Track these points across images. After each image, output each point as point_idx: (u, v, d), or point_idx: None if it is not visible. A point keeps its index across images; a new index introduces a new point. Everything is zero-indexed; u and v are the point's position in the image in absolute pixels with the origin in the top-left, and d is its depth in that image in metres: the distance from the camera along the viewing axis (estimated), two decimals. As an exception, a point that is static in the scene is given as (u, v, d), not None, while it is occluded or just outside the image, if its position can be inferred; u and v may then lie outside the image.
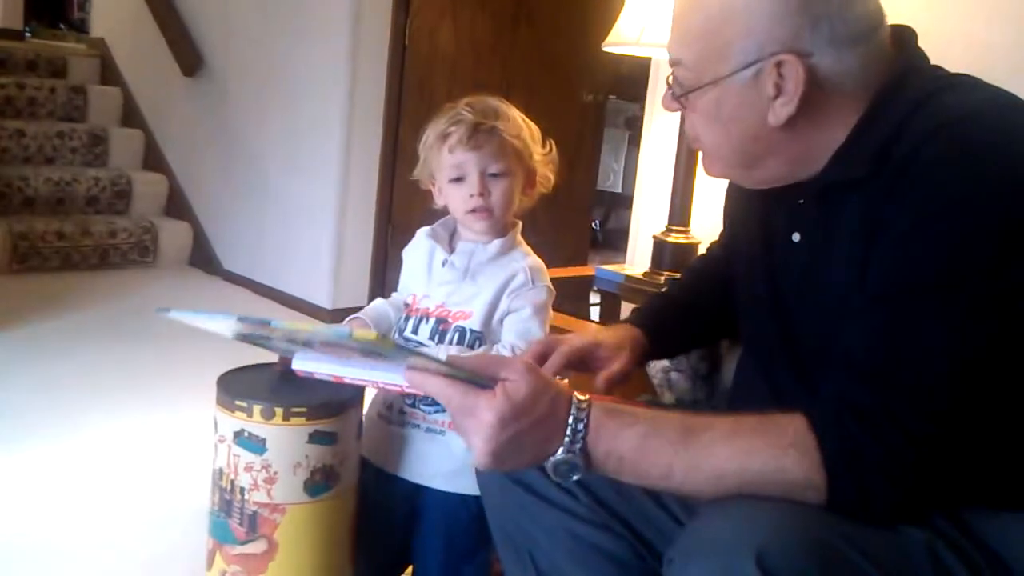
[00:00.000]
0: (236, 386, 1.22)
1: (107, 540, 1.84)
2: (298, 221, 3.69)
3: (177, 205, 4.35)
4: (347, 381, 0.99)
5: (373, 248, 3.65)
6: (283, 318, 0.95)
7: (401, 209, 3.58)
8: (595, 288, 2.17)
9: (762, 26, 0.90)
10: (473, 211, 1.31)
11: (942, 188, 0.82)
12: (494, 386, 0.86)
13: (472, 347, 1.30)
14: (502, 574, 1.19)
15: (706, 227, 1.97)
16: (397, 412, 1.34)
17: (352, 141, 3.49)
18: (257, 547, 1.20)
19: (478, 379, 0.87)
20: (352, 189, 3.54)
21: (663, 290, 1.38)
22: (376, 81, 3.51)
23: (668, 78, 1.01)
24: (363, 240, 3.62)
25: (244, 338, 1.09)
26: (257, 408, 1.17)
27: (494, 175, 1.31)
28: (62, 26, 7.23)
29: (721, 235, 1.30)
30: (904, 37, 0.97)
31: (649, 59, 2.25)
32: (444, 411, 1.15)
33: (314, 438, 1.19)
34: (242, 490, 1.19)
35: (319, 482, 1.20)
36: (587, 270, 2.35)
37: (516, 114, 1.35)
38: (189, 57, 4.09)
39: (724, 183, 1.18)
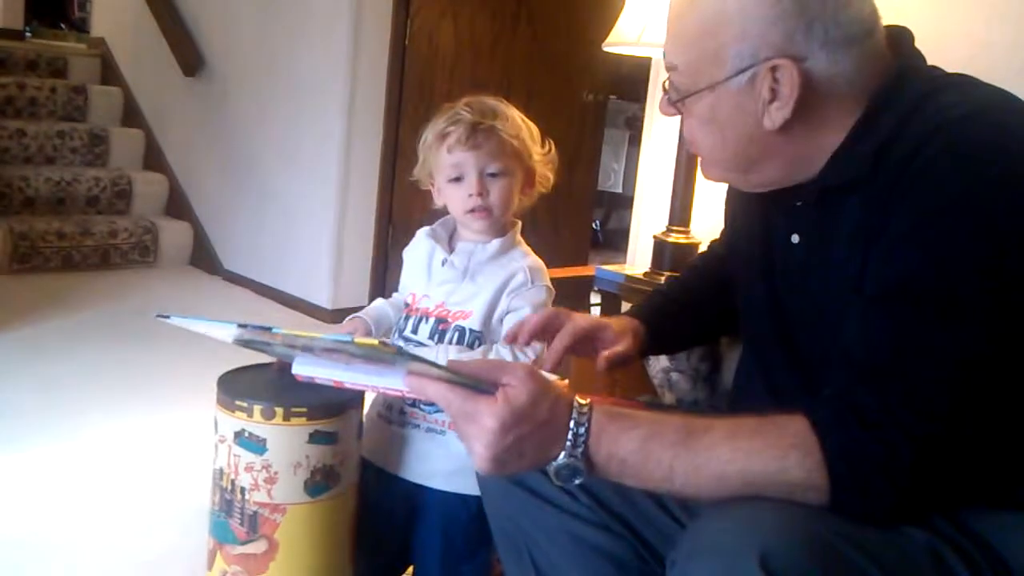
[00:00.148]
0: (236, 386, 1.22)
1: (107, 540, 1.84)
2: (298, 221, 3.69)
3: (177, 205, 4.35)
4: (347, 386, 0.99)
5: (373, 248, 3.65)
6: (283, 325, 0.95)
7: (401, 209, 3.58)
8: (596, 288, 2.17)
9: (756, 31, 0.90)
10: (472, 211, 1.31)
11: (941, 188, 0.82)
12: (495, 391, 0.86)
13: (471, 347, 1.30)
14: (502, 574, 1.19)
15: (706, 227, 1.97)
16: (397, 412, 1.34)
17: (352, 141, 3.49)
18: (257, 547, 1.20)
19: (479, 384, 0.87)
20: (352, 189, 3.54)
21: (662, 287, 1.38)
22: (376, 81, 3.51)
23: (664, 83, 1.01)
24: (363, 240, 3.62)
25: (245, 343, 1.09)
26: (257, 408, 1.17)
27: (493, 175, 1.31)
28: (63, 26, 7.24)
29: (722, 234, 1.31)
30: (900, 38, 0.97)
31: (649, 59, 2.25)
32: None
33: (314, 438, 1.19)
34: (242, 490, 1.19)
35: (319, 482, 1.20)
36: (588, 270, 2.35)
37: (515, 114, 1.35)
38: (190, 57, 4.09)
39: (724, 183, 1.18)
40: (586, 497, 1.06)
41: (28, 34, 6.02)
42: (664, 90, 1.01)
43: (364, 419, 1.32)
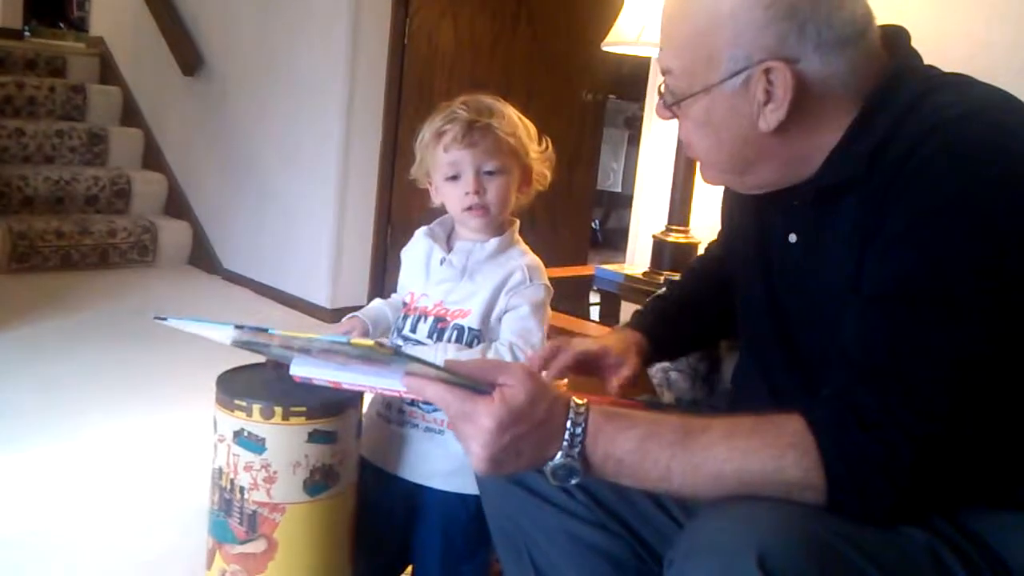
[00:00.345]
0: (236, 385, 1.22)
1: (107, 540, 1.84)
2: (298, 220, 3.69)
3: (177, 204, 4.35)
4: (345, 387, 0.99)
5: (372, 248, 3.65)
6: (283, 325, 0.96)
7: (400, 209, 3.58)
8: (595, 288, 2.17)
9: (749, 34, 0.90)
10: (469, 209, 1.31)
11: (937, 187, 0.82)
12: (492, 391, 0.86)
13: (470, 345, 1.30)
14: (501, 574, 1.19)
15: (706, 227, 1.97)
16: (396, 411, 1.35)
17: (352, 140, 3.49)
18: (257, 546, 1.20)
19: (476, 384, 0.87)
20: (352, 189, 3.54)
21: (662, 292, 1.38)
22: (375, 81, 3.51)
23: (659, 87, 1.01)
24: (363, 240, 3.62)
25: (242, 344, 1.09)
26: (256, 407, 1.17)
27: (490, 172, 1.31)
28: (61, 25, 7.24)
29: (719, 235, 1.31)
30: (896, 38, 0.97)
31: (649, 59, 2.25)
32: (443, 411, 1.16)
33: (313, 437, 1.19)
34: (242, 489, 1.19)
35: (318, 481, 1.20)
36: (587, 270, 2.35)
37: (512, 112, 1.35)
38: (189, 56, 4.09)
39: (723, 183, 1.18)
40: (584, 496, 1.06)
41: (27, 33, 6.02)
42: (659, 94, 1.01)
43: (363, 418, 1.32)
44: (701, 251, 1.48)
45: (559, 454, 0.87)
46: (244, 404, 1.18)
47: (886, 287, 0.84)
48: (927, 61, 0.97)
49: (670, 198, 2.07)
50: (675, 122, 1.02)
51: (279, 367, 1.24)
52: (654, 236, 2.10)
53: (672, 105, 0.99)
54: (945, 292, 0.81)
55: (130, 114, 4.61)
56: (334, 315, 3.45)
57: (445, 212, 1.38)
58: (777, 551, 0.75)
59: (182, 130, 4.34)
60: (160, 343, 2.91)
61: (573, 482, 0.88)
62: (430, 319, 1.33)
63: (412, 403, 1.32)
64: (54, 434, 2.29)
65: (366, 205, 3.60)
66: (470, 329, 1.31)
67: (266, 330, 0.94)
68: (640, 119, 2.52)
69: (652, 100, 2.36)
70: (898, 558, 0.81)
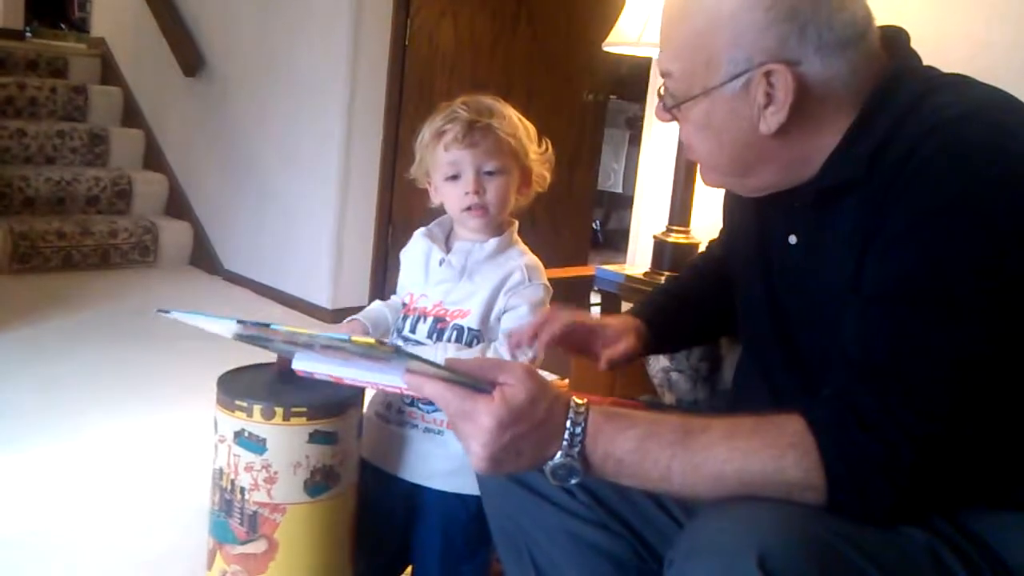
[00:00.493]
0: (236, 386, 1.22)
1: (107, 540, 1.84)
2: (298, 221, 3.69)
3: (177, 205, 4.35)
4: (347, 382, 0.99)
5: (373, 248, 3.65)
6: (283, 324, 0.96)
7: (401, 209, 3.58)
8: (596, 288, 2.17)
9: (749, 36, 0.90)
10: (468, 209, 1.32)
11: (937, 188, 0.82)
12: (492, 390, 0.86)
13: (470, 345, 1.31)
14: (502, 574, 1.19)
15: (706, 227, 1.97)
16: (395, 412, 1.35)
17: (352, 141, 3.49)
18: (257, 547, 1.20)
19: (476, 383, 0.87)
20: (352, 189, 3.54)
21: (663, 285, 1.38)
22: (376, 81, 3.51)
23: (659, 89, 1.01)
24: (363, 240, 3.62)
25: (244, 339, 1.10)
26: (257, 408, 1.17)
27: (489, 173, 1.31)
28: (63, 26, 7.23)
29: (720, 234, 1.31)
30: (896, 39, 0.97)
31: (650, 59, 2.25)
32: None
33: (314, 438, 1.19)
34: (242, 490, 1.19)
35: (319, 482, 1.20)
36: (588, 270, 2.35)
37: (512, 112, 1.35)
38: (190, 57, 4.09)
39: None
40: (585, 496, 1.06)
41: (28, 34, 6.02)
42: (659, 96, 1.01)
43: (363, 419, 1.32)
44: (702, 250, 1.48)
45: (559, 454, 0.87)
46: (245, 405, 1.18)
47: (886, 287, 0.84)
48: (927, 62, 0.97)
49: (671, 199, 2.07)
50: (676, 123, 1.02)
51: (285, 369, 1.24)
52: (655, 237, 2.10)
53: (672, 108, 0.99)
54: (945, 292, 0.81)
55: (131, 115, 4.61)
56: (335, 316, 3.45)
57: (445, 212, 1.39)
58: (777, 551, 0.75)
59: (183, 130, 4.34)
60: (161, 343, 2.91)
61: (573, 482, 0.88)
62: (429, 319, 1.33)
63: (411, 403, 1.33)
64: (55, 434, 2.29)
65: (367, 205, 3.60)
66: (469, 329, 1.31)
67: (268, 325, 0.94)
68: (641, 119, 2.52)
69: (653, 100, 2.36)
70: (898, 558, 0.81)
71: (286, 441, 1.18)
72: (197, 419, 1.98)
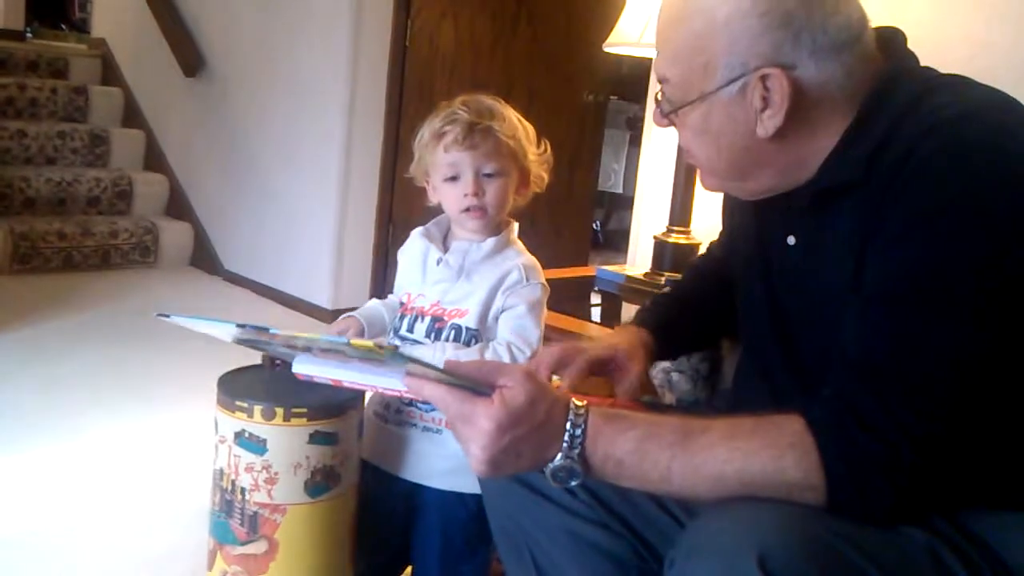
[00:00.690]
0: (237, 386, 1.22)
1: (107, 540, 1.84)
2: (298, 221, 3.69)
3: (178, 205, 4.35)
4: (346, 385, 0.99)
5: (373, 248, 3.65)
6: (283, 326, 0.96)
7: (401, 209, 3.58)
8: (596, 289, 2.17)
9: (744, 41, 0.90)
10: (467, 210, 1.32)
11: (937, 188, 0.82)
12: (492, 393, 0.86)
13: (468, 344, 1.31)
14: (502, 574, 1.19)
15: (707, 228, 1.97)
16: (394, 411, 1.35)
17: (352, 141, 3.50)
18: (258, 547, 1.20)
19: (476, 386, 0.87)
20: (352, 189, 3.54)
21: (665, 290, 1.38)
22: (376, 81, 3.51)
23: (656, 95, 1.01)
24: (363, 240, 3.63)
25: (244, 343, 1.10)
26: (258, 408, 1.17)
27: (489, 175, 1.31)
28: (63, 26, 7.23)
29: (720, 235, 1.31)
30: (892, 40, 0.97)
31: (650, 59, 2.25)
32: (441, 410, 1.16)
33: (315, 438, 1.19)
34: (243, 490, 1.19)
35: (319, 483, 1.20)
36: (588, 271, 2.35)
37: (512, 114, 1.35)
38: (190, 57, 4.09)
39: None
40: (586, 495, 1.06)
41: (29, 35, 6.02)
42: (656, 102, 1.02)
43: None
44: (703, 250, 1.48)
45: (559, 456, 0.87)
46: (245, 405, 1.18)
47: (886, 287, 0.85)
48: (927, 62, 0.97)
49: (671, 199, 2.07)
50: (674, 128, 1.02)
51: (275, 364, 1.24)
52: (655, 237, 2.10)
53: (669, 113, 0.99)
54: (945, 292, 0.81)
55: (131, 115, 4.61)
56: (335, 316, 3.39)
57: (443, 212, 1.39)
58: (778, 552, 0.75)
59: (183, 131, 4.34)
60: (161, 344, 2.91)
61: (573, 483, 0.88)
62: (427, 319, 1.33)
63: (410, 403, 1.33)
64: (55, 434, 2.29)
65: (367, 206, 3.60)
66: (467, 329, 1.31)
67: (267, 329, 0.94)
68: (641, 120, 2.52)
69: (653, 102, 2.36)
70: (898, 558, 0.81)
71: (286, 442, 1.18)
72: (197, 420, 1.98)
